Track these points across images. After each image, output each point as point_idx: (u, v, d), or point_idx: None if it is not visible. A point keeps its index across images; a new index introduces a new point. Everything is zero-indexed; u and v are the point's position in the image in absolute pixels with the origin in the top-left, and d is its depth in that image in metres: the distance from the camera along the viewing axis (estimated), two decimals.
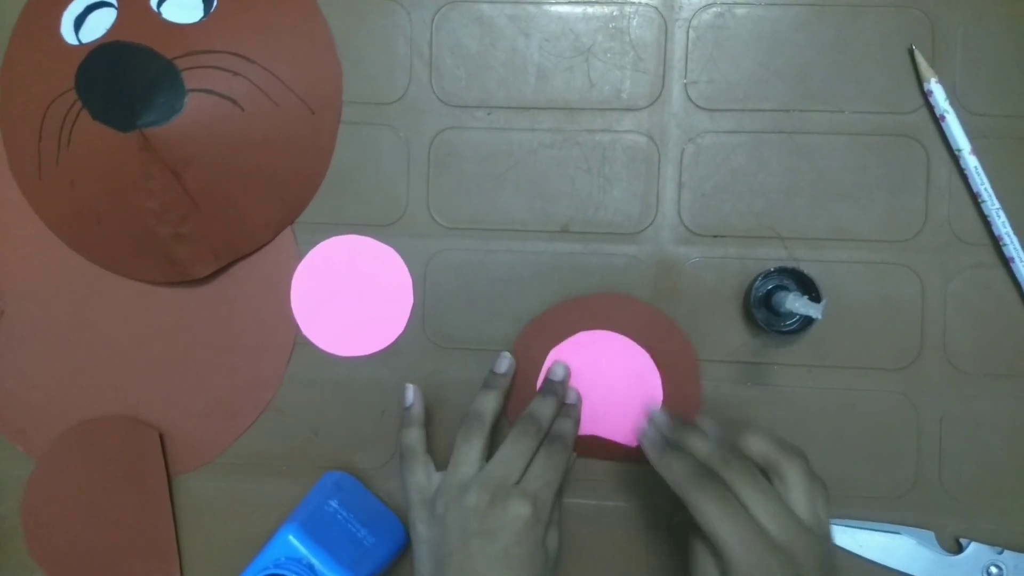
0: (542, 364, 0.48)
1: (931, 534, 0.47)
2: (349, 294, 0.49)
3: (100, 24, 0.48)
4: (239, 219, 0.48)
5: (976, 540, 0.47)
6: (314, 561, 0.40)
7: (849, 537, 0.47)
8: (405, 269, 0.49)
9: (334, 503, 0.44)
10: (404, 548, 0.48)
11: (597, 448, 0.48)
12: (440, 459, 0.47)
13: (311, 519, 0.42)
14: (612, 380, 0.48)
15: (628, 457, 0.48)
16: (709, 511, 0.37)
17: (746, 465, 0.39)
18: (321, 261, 0.49)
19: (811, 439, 0.48)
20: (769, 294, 0.46)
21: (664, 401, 0.48)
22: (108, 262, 0.50)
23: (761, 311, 0.46)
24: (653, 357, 0.47)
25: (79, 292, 0.51)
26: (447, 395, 0.49)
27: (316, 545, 0.40)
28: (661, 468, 0.40)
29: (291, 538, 0.40)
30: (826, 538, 0.39)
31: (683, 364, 0.48)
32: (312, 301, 0.49)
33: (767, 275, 0.46)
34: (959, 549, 0.47)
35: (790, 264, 0.47)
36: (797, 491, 0.39)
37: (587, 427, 0.48)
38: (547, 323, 0.48)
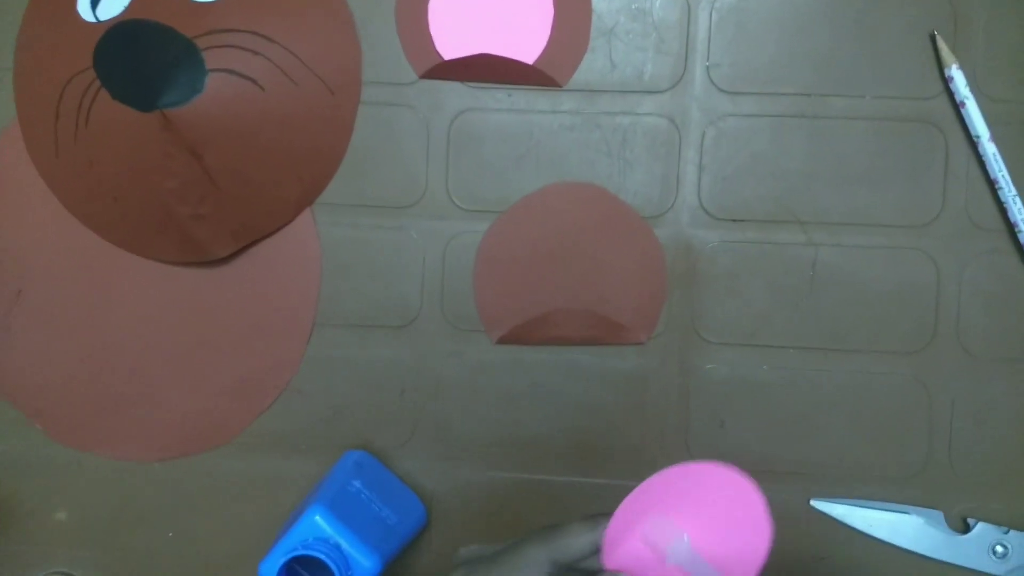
0: None
1: (939, 514, 0.48)
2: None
3: (118, 1, 0.47)
4: (258, 199, 0.48)
5: (983, 520, 0.48)
6: (341, 541, 0.41)
7: (859, 516, 0.48)
8: None
9: (357, 483, 0.45)
10: (424, 526, 0.49)
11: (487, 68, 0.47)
12: (455, 437, 0.48)
13: (337, 499, 0.42)
14: None
15: (521, 76, 0.48)
16: None
17: None
18: None
19: (825, 420, 0.49)
20: None
21: None
22: (126, 242, 0.50)
23: None
24: None
25: (97, 271, 0.51)
26: (464, 376, 0.50)
27: (343, 525, 0.41)
28: None
29: (318, 519, 0.41)
30: None
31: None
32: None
33: None
34: (966, 529, 0.48)
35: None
36: None
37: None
38: None
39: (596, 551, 0.36)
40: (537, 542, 0.36)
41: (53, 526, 0.51)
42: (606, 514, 0.36)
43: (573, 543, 0.35)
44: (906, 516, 0.48)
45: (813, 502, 0.49)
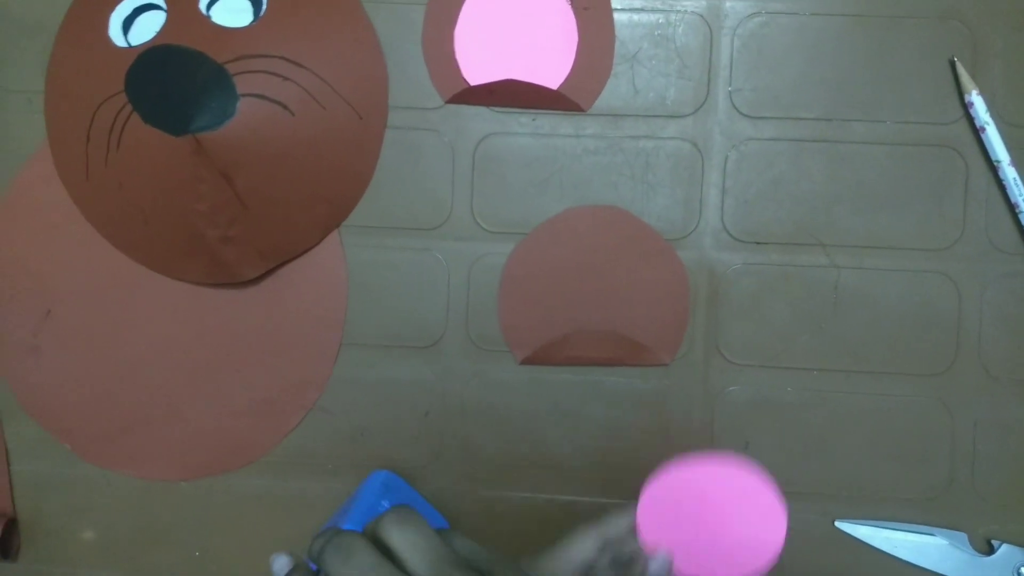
0: None
1: (963, 535, 0.48)
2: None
3: (149, 27, 0.48)
4: (287, 222, 0.49)
5: (1007, 542, 0.48)
6: None
7: (883, 538, 0.49)
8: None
9: (386, 503, 0.45)
10: None
11: None
12: (480, 456, 0.48)
13: (366, 520, 0.43)
14: None
15: (545, 101, 0.48)
16: None
17: None
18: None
19: (848, 442, 0.49)
20: None
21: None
22: (154, 263, 0.51)
23: None
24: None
25: (125, 292, 0.51)
26: (489, 397, 0.50)
27: None
28: None
29: None
30: None
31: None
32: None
33: None
34: (990, 550, 0.48)
35: None
36: None
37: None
38: None
39: (634, 532, 0.43)
40: (586, 526, 0.43)
41: (81, 545, 0.51)
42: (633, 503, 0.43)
43: (616, 520, 0.43)
44: (930, 538, 0.48)
45: (837, 523, 0.49)
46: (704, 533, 0.43)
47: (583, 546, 0.43)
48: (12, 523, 0.51)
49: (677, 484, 0.43)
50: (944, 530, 0.48)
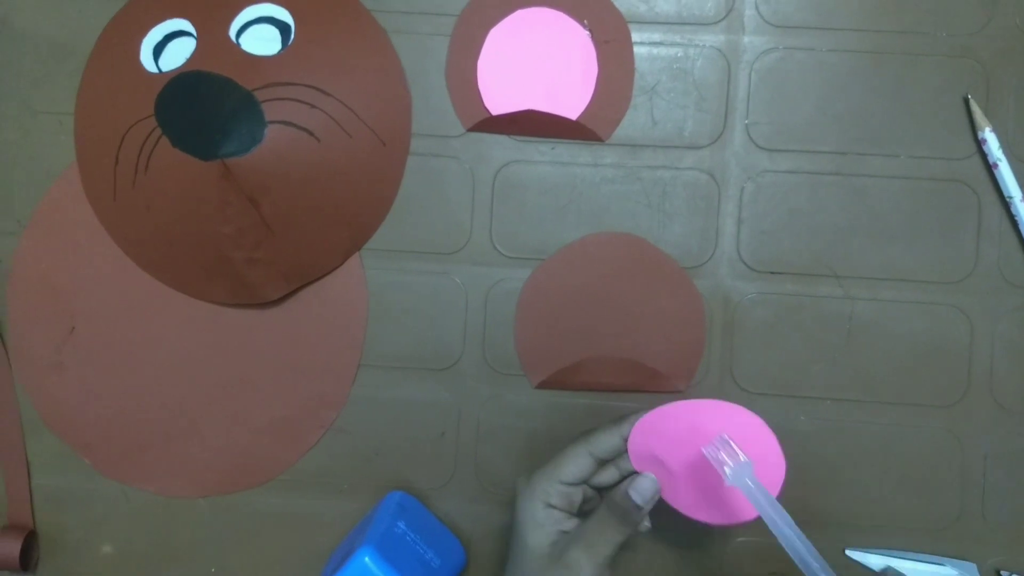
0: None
1: (973, 566, 0.49)
2: None
3: (180, 53, 0.49)
4: (310, 245, 0.50)
5: (1016, 572, 0.48)
6: None
7: (894, 567, 0.49)
8: None
9: (402, 524, 0.46)
10: (463, 568, 0.49)
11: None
12: (494, 479, 0.49)
13: (384, 541, 0.43)
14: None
15: (565, 131, 0.50)
16: None
17: None
18: None
19: (860, 472, 0.49)
20: None
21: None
22: (179, 283, 0.52)
23: None
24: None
25: (148, 311, 0.52)
26: (504, 420, 0.51)
27: (390, 567, 0.42)
28: None
29: (367, 560, 0.42)
30: None
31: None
32: None
33: None
34: None
35: None
36: None
37: None
38: None
39: (624, 447, 0.42)
40: (577, 440, 0.43)
41: (99, 559, 0.52)
42: (631, 415, 0.43)
43: (604, 437, 0.43)
44: (940, 567, 0.49)
45: (848, 551, 0.49)
46: (690, 470, 0.42)
47: (577, 464, 0.42)
48: (32, 536, 0.52)
49: (673, 417, 0.42)
50: (954, 560, 0.49)
